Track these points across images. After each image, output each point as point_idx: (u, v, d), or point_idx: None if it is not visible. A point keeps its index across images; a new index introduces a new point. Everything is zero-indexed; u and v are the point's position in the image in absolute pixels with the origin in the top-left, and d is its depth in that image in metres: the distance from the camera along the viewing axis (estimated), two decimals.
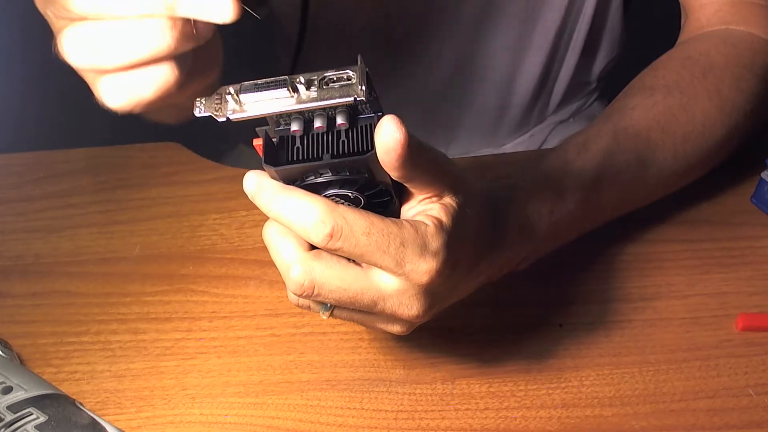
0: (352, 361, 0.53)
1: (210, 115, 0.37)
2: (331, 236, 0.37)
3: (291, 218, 0.38)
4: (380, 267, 0.40)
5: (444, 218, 0.40)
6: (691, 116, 0.58)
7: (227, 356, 0.54)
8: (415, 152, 0.36)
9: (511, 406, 0.50)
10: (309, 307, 0.43)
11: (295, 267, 0.39)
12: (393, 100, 0.80)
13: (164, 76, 0.39)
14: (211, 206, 0.65)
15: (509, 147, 0.88)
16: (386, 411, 0.50)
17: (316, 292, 0.40)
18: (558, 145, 0.56)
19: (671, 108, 0.58)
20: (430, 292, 0.41)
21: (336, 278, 0.39)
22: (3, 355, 0.51)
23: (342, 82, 0.36)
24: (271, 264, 0.41)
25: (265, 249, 0.41)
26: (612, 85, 0.91)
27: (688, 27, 0.67)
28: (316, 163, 0.38)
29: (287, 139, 0.39)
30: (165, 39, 0.38)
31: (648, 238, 0.60)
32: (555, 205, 0.52)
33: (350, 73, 0.36)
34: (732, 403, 0.50)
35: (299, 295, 0.40)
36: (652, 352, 0.53)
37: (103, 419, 0.47)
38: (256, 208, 0.40)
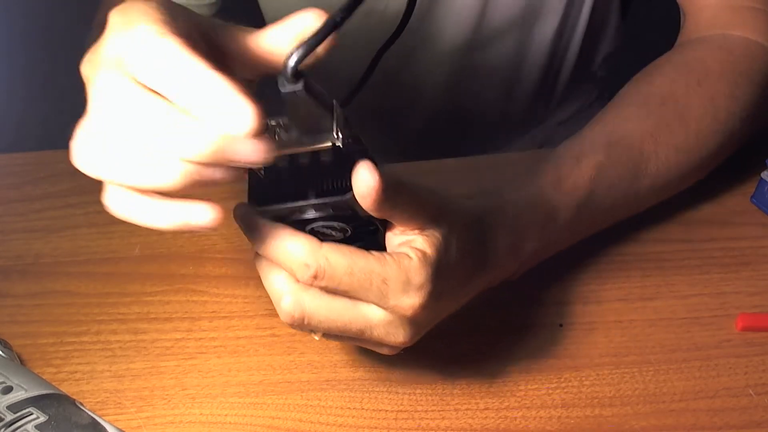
0: (352, 361, 0.53)
1: None
2: (315, 277, 0.39)
3: (277, 258, 0.40)
4: (365, 302, 0.41)
5: (428, 250, 0.41)
6: (686, 126, 0.58)
7: (227, 356, 0.54)
8: (391, 193, 0.37)
9: (511, 406, 0.50)
10: (301, 329, 0.44)
11: (286, 298, 0.41)
12: (391, 104, 0.81)
13: (167, 210, 0.36)
14: None
15: (509, 148, 0.88)
16: (386, 411, 0.50)
17: (306, 322, 0.41)
18: (551, 155, 0.55)
19: (665, 118, 0.58)
20: (416, 322, 0.43)
21: (324, 309, 0.41)
22: (3, 355, 0.51)
23: (317, 126, 0.36)
24: None
25: None
26: (612, 85, 0.91)
27: (686, 30, 0.66)
28: (299, 203, 0.39)
29: (273, 174, 0.40)
30: (174, 180, 0.35)
31: (648, 238, 0.60)
32: (547, 221, 0.52)
33: (326, 114, 0.36)
34: (732, 403, 0.50)
35: (290, 324, 0.42)
36: (652, 352, 0.53)
37: (103, 419, 0.47)
38: None
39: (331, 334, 0.43)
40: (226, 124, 0.33)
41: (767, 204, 0.62)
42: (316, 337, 0.44)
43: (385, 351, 0.45)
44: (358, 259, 0.40)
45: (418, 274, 0.40)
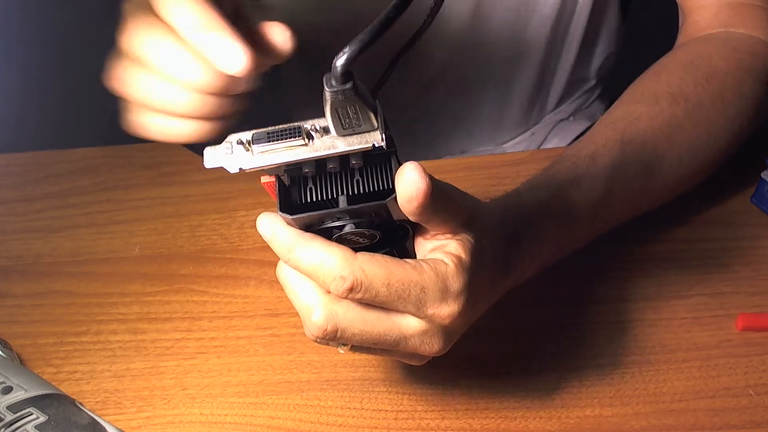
0: (352, 361, 0.53)
1: (221, 167, 0.36)
2: (350, 290, 0.37)
3: (308, 270, 0.38)
4: (402, 312, 0.40)
5: (463, 255, 0.40)
6: (696, 124, 0.58)
7: (227, 356, 0.54)
8: (434, 197, 0.36)
9: (511, 406, 0.50)
10: (328, 344, 0.42)
11: (317, 311, 0.39)
12: (389, 103, 0.80)
13: (200, 128, 0.41)
14: (211, 206, 0.65)
15: (510, 146, 0.88)
16: (386, 411, 0.50)
17: (339, 335, 0.39)
18: (565, 155, 0.55)
19: (676, 116, 0.57)
20: (451, 330, 0.41)
21: (359, 321, 0.39)
22: (3, 355, 0.51)
23: (358, 127, 0.35)
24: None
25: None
26: (612, 84, 0.91)
27: (686, 29, 0.66)
28: (333, 210, 0.37)
29: (299, 179, 0.38)
30: (199, 104, 0.40)
31: (648, 238, 0.60)
32: (566, 220, 0.51)
33: (371, 114, 0.35)
34: (732, 403, 0.50)
35: (319, 338, 0.40)
36: (652, 352, 0.53)
37: (103, 419, 0.47)
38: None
39: (361, 347, 0.42)
40: (220, 61, 0.37)
41: (767, 204, 0.62)
42: (341, 350, 0.42)
43: (414, 362, 0.44)
44: (396, 269, 0.38)
45: (456, 281, 0.39)
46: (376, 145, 0.35)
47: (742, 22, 0.63)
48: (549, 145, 0.88)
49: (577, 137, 0.83)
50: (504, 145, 0.88)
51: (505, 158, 0.71)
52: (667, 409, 0.50)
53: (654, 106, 0.58)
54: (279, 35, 0.40)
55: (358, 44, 0.33)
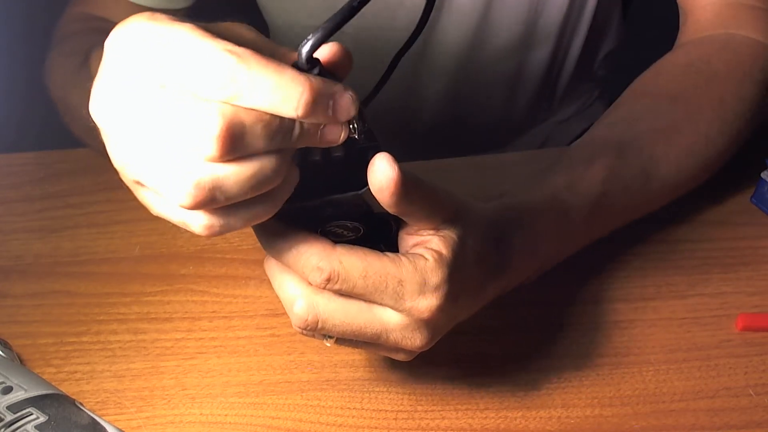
0: (352, 361, 0.53)
1: None
2: (328, 280, 0.38)
3: (288, 261, 0.39)
4: (380, 305, 0.40)
5: (444, 251, 0.40)
6: (695, 127, 0.58)
7: (227, 356, 0.54)
8: (409, 188, 0.37)
9: (511, 406, 0.50)
10: (313, 335, 0.43)
11: (299, 302, 0.40)
12: (393, 104, 0.81)
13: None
14: None
15: (510, 146, 0.88)
16: (386, 411, 0.50)
17: (320, 326, 0.40)
18: (562, 157, 0.55)
19: (675, 119, 0.57)
20: (433, 325, 0.41)
21: (339, 313, 0.40)
22: (3, 355, 0.51)
23: None
24: None
25: None
26: (611, 85, 0.91)
27: (686, 29, 0.66)
28: (312, 201, 0.38)
29: None
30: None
31: (648, 237, 0.60)
32: (562, 223, 0.51)
33: None
34: (732, 403, 0.50)
35: (302, 329, 0.40)
36: (652, 352, 0.53)
37: (103, 419, 0.47)
38: None
39: (345, 339, 0.42)
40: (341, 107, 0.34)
41: (767, 204, 0.62)
42: (328, 344, 0.42)
43: (400, 357, 0.44)
44: (373, 261, 0.39)
45: (435, 275, 0.39)
46: (350, 136, 0.35)
47: (742, 23, 0.63)
48: (549, 145, 0.89)
49: (577, 138, 0.83)
50: (505, 147, 0.88)
51: (506, 158, 0.71)
52: (667, 409, 0.50)
53: (653, 108, 0.58)
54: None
55: (322, 31, 0.33)
